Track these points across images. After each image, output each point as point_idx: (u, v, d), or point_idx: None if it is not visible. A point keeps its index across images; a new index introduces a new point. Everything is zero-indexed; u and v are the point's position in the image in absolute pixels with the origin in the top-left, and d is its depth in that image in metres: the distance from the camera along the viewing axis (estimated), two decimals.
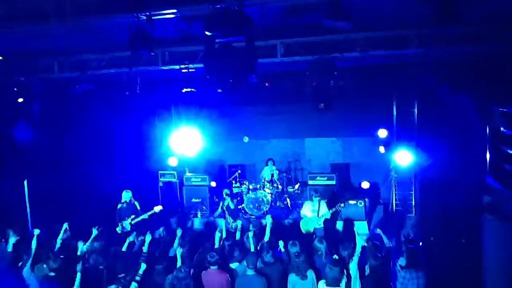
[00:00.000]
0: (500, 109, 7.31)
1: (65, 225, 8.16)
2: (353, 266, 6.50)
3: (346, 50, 8.00)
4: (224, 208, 11.12)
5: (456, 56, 7.93)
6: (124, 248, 7.97)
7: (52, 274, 6.83)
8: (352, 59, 8.21)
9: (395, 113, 12.03)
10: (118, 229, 9.60)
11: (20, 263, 7.30)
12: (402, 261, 6.84)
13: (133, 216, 9.66)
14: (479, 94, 8.23)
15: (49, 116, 10.55)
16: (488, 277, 7.55)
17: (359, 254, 6.72)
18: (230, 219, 10.86)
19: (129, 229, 9.58)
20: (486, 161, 7.56)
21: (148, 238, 7.56)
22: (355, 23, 5.43)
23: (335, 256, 7.10)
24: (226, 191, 11.25)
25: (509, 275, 7.03)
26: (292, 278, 6.67)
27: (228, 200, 10.99)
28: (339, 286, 6.27)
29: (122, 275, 6.79)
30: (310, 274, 6.61)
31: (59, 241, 7.85)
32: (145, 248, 7.39)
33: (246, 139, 13.70)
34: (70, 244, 8.03)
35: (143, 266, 6.87)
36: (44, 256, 7.38)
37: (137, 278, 6.69)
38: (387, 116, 12.04)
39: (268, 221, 8.17)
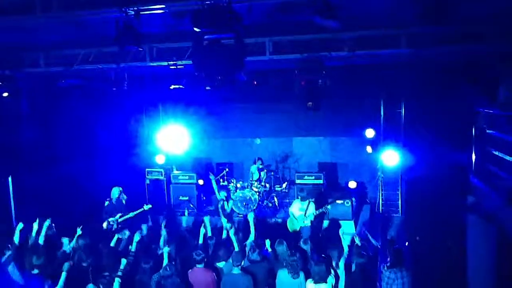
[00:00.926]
0: (485, 110, 7.38)
1: (48, 221, 8.02)
2: (341, 266, 6.53)
3: (335, 49, 8.00)
4: (219, 209, 10.85)
5: (443, 57, 7.99)
6: (112, 244, 7.91)
7: (36, 271, 6.76)
8: (340, 58, 8.22)
9: (382, 113, 12.09)
10: (105, 225, 9.51)
11: (3, 258, 7.20)
12: (387, 262, 6.89)
13: (120, 214, 9.59)
14: (465, 95, 8.31)
15: (34, 111, 10.41)
16: (472, 276, 7.63)
17: (346, 255, 6.75)
18: (224, 220, 10.55)
19: (115, 226, 9.50)
20: (471, 162, 7.63)
21: (137, 237, 7.50)
22: (344, 22, 5.43)
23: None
24: (223, 193, 10.79)
25: (493, 274, 7.11)
26: (282, 275, 6.63)
27: (224, 202, 10.74)
28: (326, 282, 6.28)
29: (107, 273, 6.75)
30: (301, 274, 6.60)
31: (42, 238, 7.74)
32: (132, 247, 7.34)
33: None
34: (54, 241, 7.95)
35: (123, 261, 6.82)
36: (28, 252, 7.29)
37: (119, 273, 6.64)
38: (374, 116, 12.10)
39: (250, 218, 8.11)
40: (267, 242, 7.39)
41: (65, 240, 7.62)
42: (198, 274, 6.80)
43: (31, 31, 7.37)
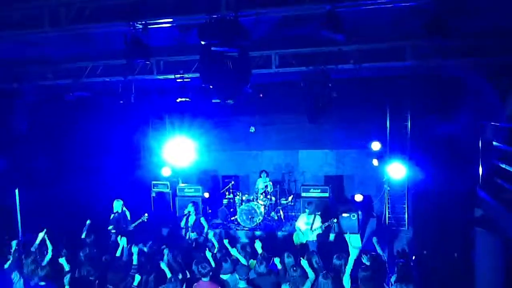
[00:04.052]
0: (492, 123, 7.35)
1: (42, 234, 8.08)
2: (346, 278, 6.48)
3: (340, 62, 8.06)
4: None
5: (448, 69, 8.01)
6: (118, 254, 7.95)
7: (43, 283, 6.77)
8: (346, 71, 8.27)
9: (388, 125, 12.09)
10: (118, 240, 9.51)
11: (7, 264, 7.28)
12: (393, 277, 6.84)
13: (111, 227, 9.62)
14: (471, 107, 8.30)
15: (42, 123, 10.49)
16: None
17: (351, 266, 6.69)
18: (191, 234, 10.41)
19: (113, 238, 9.50)
20: (478, 175, 7.58)
21: (135, 250, 7.50)
22: (349, 35, 5.47)
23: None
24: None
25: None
26: None
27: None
28: None
29: (110, 286, 6.74)
30: None
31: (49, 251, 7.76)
32: (134, 260, 7.34)
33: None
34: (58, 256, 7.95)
35: (137, 277, 6.81)
36: (31, 264, 7.31)
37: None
38: (380, 129, 12.10)
39: (258, 246, 7.74)
40: (276, 260, 7.33)
41: (62, 260, 7.49)
42: (204, 287, 6.76)
43: (39, 44, 7.46)
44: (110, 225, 9.74)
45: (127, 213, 10.06)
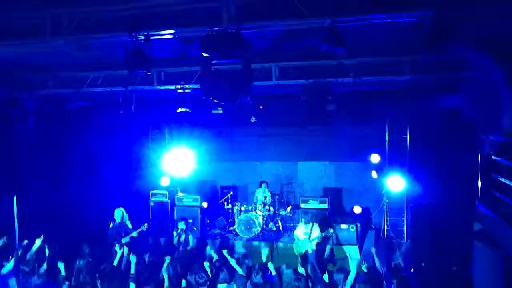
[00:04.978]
0: (491, 137, 7.38)
1: (39, 240, 8.05)
2: None
3: (340, 75, 8.11)
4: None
5: (447, 82, 8.06)
6: (115, 263, 7.91)
7: None
8: (346, 84, 8.31)
9: (387, 138, 12.11)
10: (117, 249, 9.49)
11: (4, 270, 7.24)
12: None
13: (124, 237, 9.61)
14: (470, 121, 8.33)
15: (41, 133, 10.50)
16: None
17: (352, 281, 6.68)
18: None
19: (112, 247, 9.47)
20: (477, 189, 7.60)
21: (133, 259, 7.48)
22: (349, 48, 5.52)
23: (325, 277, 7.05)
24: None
25: None
26: None
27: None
28: None
29: None
30: None
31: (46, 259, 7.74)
32: (132, 269, 7.31)
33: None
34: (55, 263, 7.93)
35: (132, 286, 6.77)
36: (29, 271, 7.30)
37: None
38: (379, 141, 12.12)
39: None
40: (270, 265, 7.33)
41: (60, 264, 7.52)
42: None
43: (40, 53, 7.49)
44: (109, 233, 9.69)
45: (128, 223, 10.04)
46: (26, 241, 7.82)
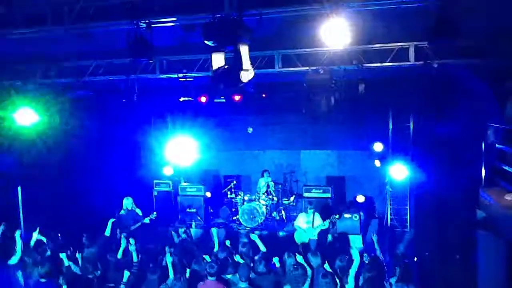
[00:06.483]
0: (495, 125, 7.32)
1: (36, 233, 8.12)
2: (350, 279, 6.47)
3: (343, 63, 8.04)
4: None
5: (451, 70, 7.99)
6: (119, 255, 7.92)
7: (43, 280, 6.77)
8: (349, 72, 8.25)
9: (391, 127, 12.06)
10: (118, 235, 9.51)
11: (11, 261, 7.32)
12: (394, 278, 6.83)
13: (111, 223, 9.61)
14: (474, 109, 8.27)
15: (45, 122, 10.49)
16: None
17: (356, 269, 6.68)
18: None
19: (117, 236, 9.50)
20: (480, 176, 7.56)
21: (132, 247, 7.50)
22: (352, 35, 5.47)
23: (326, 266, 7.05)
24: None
25: None
26: None
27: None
28: None
29: (112, 284, 6.74)
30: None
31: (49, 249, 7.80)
32: (134, 258, 7.34)
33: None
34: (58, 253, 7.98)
35: (126, 274, 6.82)
36: (32, 261, 7.35)
37: (122, 286, 6.64)
38: (383, 130, 12.07)
39: (255, 238, 8.01)
40: (275, 259, 7.33)
41: (63, 255, 7.54)
42: (210, 286, 6.75)
43: (42, 42, 7.46)
44: (115, 222, 9.71)
45: (138, 210, 10.07)
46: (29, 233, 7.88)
